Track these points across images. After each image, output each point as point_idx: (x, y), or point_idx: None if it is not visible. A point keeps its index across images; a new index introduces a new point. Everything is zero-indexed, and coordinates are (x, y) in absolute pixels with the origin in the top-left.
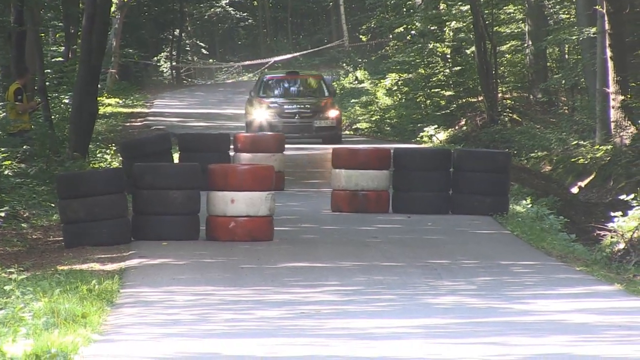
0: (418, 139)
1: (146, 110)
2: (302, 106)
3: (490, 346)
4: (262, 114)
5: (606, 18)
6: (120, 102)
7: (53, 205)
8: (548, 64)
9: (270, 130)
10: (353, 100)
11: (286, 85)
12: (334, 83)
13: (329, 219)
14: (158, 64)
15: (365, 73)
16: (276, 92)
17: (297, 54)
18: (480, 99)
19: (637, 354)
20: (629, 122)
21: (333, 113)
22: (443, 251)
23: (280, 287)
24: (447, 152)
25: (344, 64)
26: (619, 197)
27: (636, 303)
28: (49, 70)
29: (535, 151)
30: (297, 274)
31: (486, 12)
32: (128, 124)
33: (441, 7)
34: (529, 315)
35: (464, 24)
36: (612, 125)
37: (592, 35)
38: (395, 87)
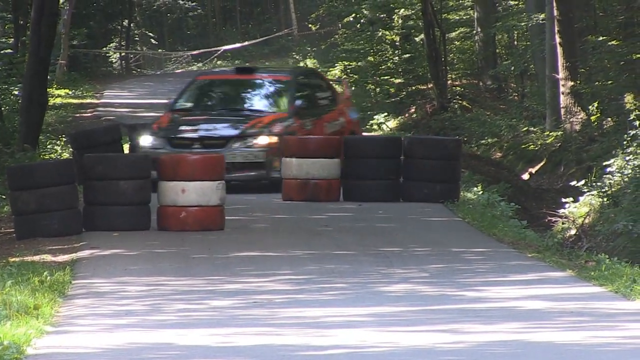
0: (368, 127)
1: (96, 101)
2: (211, 127)
3: (443, 334)
4: (148, 139)
5: (554, 4)
6: (70, 93)
7: (4, 197)
8: (497, 50)
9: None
10: None
11: (222, 91)
12: None
13: (280, 208)
14: (107, 55)
15: (315, 61)
16: (201, 101)
17: (247, 43)
18: (430, 86)
19: (589, 340)
20: (579, 108)
21: (263, 139)
22: (394, 239)
23: (232, 276)
24: (397, 139)
25: (294, 53)
26: (570, 183)
27: (588, 289)
28: None
29: (486, 138)
30: (249, 263)
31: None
32: (78, 115)
33: None
34: (481, 302)
35: (413, 12)
36: (562, 111)
37: (540, 22)
38: (345, 75)
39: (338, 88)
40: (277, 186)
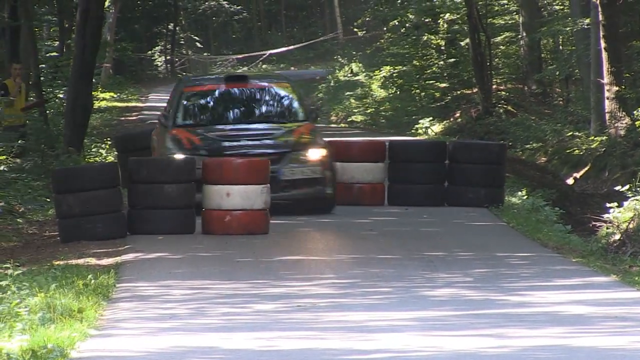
0: (413, 131)
1: (141, 105)
2: (257, 139)
3: (487, 338)
4: (178, 152)
5: (600, 9)
6: (115, 96)
7: (48, 200)
8: (542, 55)
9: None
10: (348, 93)
11: (225, 102)
12: (330, 77)
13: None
14: (152, 58)
15: (360, 65)
16: (205, 114)
17: (292, 47)
18: (474, 90)
19: (633, 345)
20: (624, 113)
21: (315, 152)
22: (439, 243)
23: (276, 280)
24: (442, 144)
25: (339, 57)
26: (615, 188)
27: (632, 294)
28: (43, 65)
29: (530, 142)
30: (293, 267)
31: (480, 3)
32: (123, 118)
33: (435, 1)
34: (525, 307)
35: (458, 16)
36: (607, 116)
37: (585, 26)
38: (390, 80)
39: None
40: (330, 204)
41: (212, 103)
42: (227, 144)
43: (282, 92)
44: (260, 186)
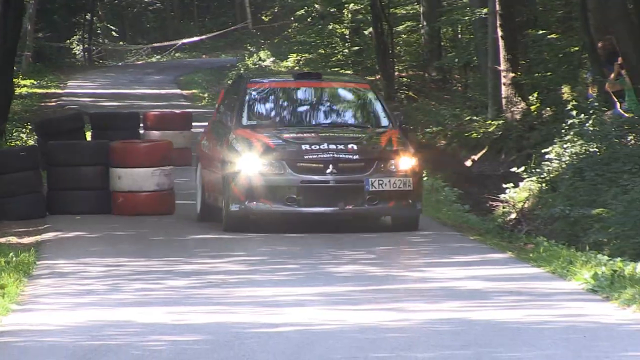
0: None
1: (60, 91)
2: (342, 146)
3: (389, 312)
4: (254, 162)
5: (498, 2)
6: (35, 83)
7: None
8: (442, 43)
9: (277, 202)
10: None
11: (296, 101)
12: (239, 65)
13: None
14: (71, 47)
15: (269, 53)
16: (275, 114)
17: (204, 36)
18: (377, 77)
19: (527, 319)
20: (519, 98)
21: (407, 162)
22: (344, 224)
23: (188, 257)
24: None
25: (248, 46)
26: (511, 170)
27: (526, 270)
28: None
29: (431, 126)
30: (204, 246)
31: None
32: (43, 104)
33: None
34: (425, 282)
35: (362, 6)
36: (504, 101)
37: (483, 16)
38: (297, 67)
39: None
40: (416, 221)
41: (281, 102)
42: (306, 147)
43: (361, 93)
44: (152, 169)
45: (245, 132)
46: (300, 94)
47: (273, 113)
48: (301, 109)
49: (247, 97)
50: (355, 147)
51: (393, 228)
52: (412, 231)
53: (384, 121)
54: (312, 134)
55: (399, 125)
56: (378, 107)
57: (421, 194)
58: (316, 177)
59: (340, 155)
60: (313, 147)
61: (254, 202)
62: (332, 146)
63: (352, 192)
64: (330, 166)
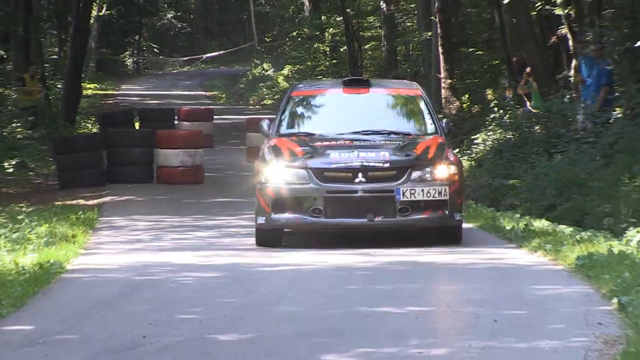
0: None
1: (115, 92)
2: (373, 154)
3: (359, 256)
4: (279, 171)
5: (439, 25)
6: (97, 87)
7: (51, 159)
8: (398, 57)
9: (301, 213)
10: (261, 84)
11: (341, 108)
12: (248, 73)
13: (244, 168)
14: (124, 60)
15: (270, 65)
16: (316, 122)
17: (222, 52)
18: None
19: (460, 261)
20: (455, 98)
21: (443, 169)
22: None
23: (210, 215)
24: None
25: (255, 59)
26: None
27: (464, 224)
28: (47, 65)
29: None
30: (223, 207)
31: (354, 21)
32: (103, 102)
33: (322, 18)
34: (384, 234)
35: (339, 30)
36: (443, 101)
37: (428, 37)
38: (290, 75)
39: None
40: (458, 234)
41: (325, 109)
42: (334, 155)
43: (409, 100)
44: (191, 150)
45: (280, 141)
46: (344, 101)
47: (314, 121)
48: (343, 116)
49: (289, 105)
50: (387, 154)
51: (436, 242)
52: (455, 245)
53: (430, 128)
54: (347, 142)
55: (446, 133)
56: (425, 113)
57: (460, 204)
58: (343, 187)
59: (370, 164)
60: (342, 155)
61: (279, 214)
62: (363, 154)
63: (382, 202)
64: (359, 175)
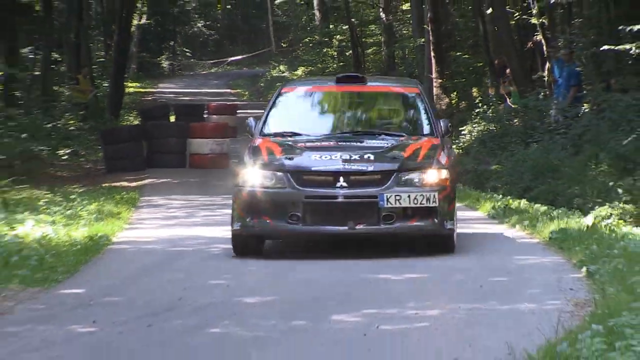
0: None
1: (154, 90)
2: (357, 156)
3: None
4: (256, 174)
5: (431, 33)
6: (138, 85)
7: (99, 147)
8: (395, 60)
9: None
10: (278, 84)
11: (331, 107)
12: (267, 74)
13: None
14: (160, 62)
15: (285, 67)
16: (302, 121)
17: (244, 55)
18: None
19: (463, 235)
20: (445, 96)
21: (432, 174)
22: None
23: None
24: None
25: (272, 62)
26: None
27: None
28: (95, 67)
29: None
30: None
31: (358, 29)
32: (143, 99)
33: (330, 26)
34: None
35: (345, 37)
36: (435, 97)
37: (422, 43)
38: (303, 75)
39: None
40: (449, 243)
41: (315, 107)
42: (315, 157)
43: (407, 98)
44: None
45: (262, 141)
46: (336, 99)
47: (302, 119)
48: (334, 115)
49: (277, 103)
50: (373, 157)
51: (428, 252)
52: (448, 254)
53: (426, 129)
54: (333, 143)
55: (443, 134)
56: (421, 113)
57: (452, 211)
58: (322, 192)
59: (353, 167)
60: (324, 157)
61: (255, 220)
62: (347, 156)
63: (364, 209)
64: (341, 179)
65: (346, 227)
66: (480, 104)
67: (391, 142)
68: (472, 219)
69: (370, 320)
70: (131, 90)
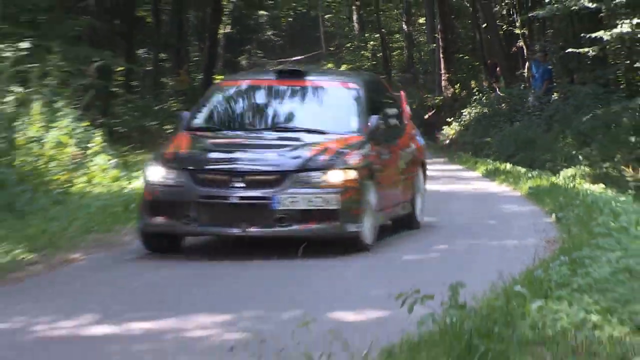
0: None
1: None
2: (259, 155)
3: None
4: (158, 171)
5: (440, 40)
6: (223, 78)
7: None
8: (414, 61)
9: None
10: None
11: (260, 102)
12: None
13: None
14: (240, 61)
15: (333, 65)
16: (227, 116)
17: (302, 56)
18: (384, 77)
19: (457, 188)
20: (450, 86)
21: (335, 174)
22: None
23: None
24: None
25: (323, 62)
26: (447, 120)
27: (455, 166)
28: (191, 64)
29: (410, 102)
30: None
31: (386, 37)
32: None
33: (366, 35)
34: None
35: (376, 43)
36: (443, 87)
37: (434, 47)
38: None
39: None
40: (357, 245)
41: (244, 102)
42: (215, 155)
43: (344, 94)
44: None
45: (180, 136)
46: (272, 93)
47: (229, 114)
48: (261, 110)
49: (212, 96)
50: (275, 156)
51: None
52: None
53: (352, 126)
54: (243, 140)
55: (370, 132)
56: (352, 109)
57: (357, 214)
58: (216, 192)
59: (249, 167)
60: (224, 155)
61: (154, 218)
62: (249, 155)
63: (258, 211)
64: (236, 179)
65: (239, 230)
66: (477, 93)
67: (307, 139)
68: (471, 178)
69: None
70: (217, 81)
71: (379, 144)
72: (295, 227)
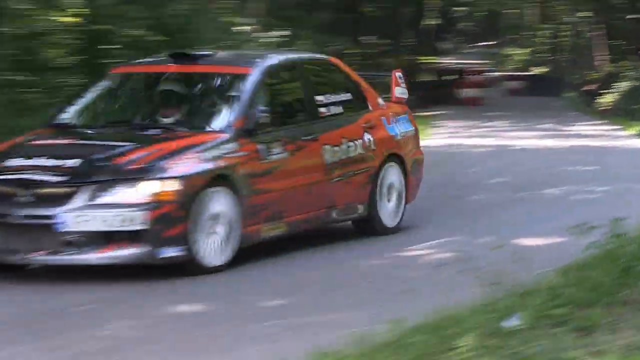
0: None
1: (441, 62)
2: (60, 162)
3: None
4: None
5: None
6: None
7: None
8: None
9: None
10: None
11: (134, 93)
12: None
13: None
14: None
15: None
16: (94, 111)
17: (491, 42)
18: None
19: (607, 144)
20: (607, 64)
21: (146, 187)
22: None
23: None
24: None
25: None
26: (603, 91)
27: (613, 126)
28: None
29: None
30: None
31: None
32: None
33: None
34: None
35: (549, 31)
36: (599, 67)
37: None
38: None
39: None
40: (187, 268)
41: (122, 92)
42: (13, 162)
43: (227, 82)
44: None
45: (39, 132)
46: (150, 84)
47: (95, 108)
48: (130, 104)
49: (96, 86)
50: (76, 164)
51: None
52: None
53: (218, 121)
54: (71, 140)
55: (246, 127)
56: (229, 101)
57: (176, 234)
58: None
59: (37, 177)
60: (22, 161)
61: None
62: (48, 162)
63: (43, 232)
64: (22, 192)
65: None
66: (630, 69)
67: (150, 140)
68: (624, 136)
69: None
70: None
71: (266, 142)
72: (87, 254)
